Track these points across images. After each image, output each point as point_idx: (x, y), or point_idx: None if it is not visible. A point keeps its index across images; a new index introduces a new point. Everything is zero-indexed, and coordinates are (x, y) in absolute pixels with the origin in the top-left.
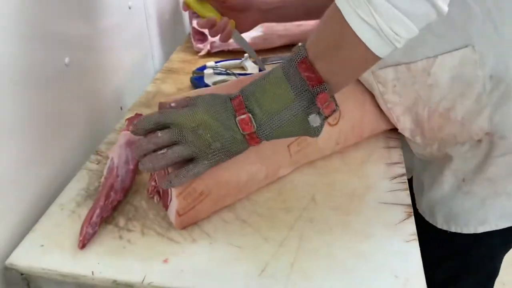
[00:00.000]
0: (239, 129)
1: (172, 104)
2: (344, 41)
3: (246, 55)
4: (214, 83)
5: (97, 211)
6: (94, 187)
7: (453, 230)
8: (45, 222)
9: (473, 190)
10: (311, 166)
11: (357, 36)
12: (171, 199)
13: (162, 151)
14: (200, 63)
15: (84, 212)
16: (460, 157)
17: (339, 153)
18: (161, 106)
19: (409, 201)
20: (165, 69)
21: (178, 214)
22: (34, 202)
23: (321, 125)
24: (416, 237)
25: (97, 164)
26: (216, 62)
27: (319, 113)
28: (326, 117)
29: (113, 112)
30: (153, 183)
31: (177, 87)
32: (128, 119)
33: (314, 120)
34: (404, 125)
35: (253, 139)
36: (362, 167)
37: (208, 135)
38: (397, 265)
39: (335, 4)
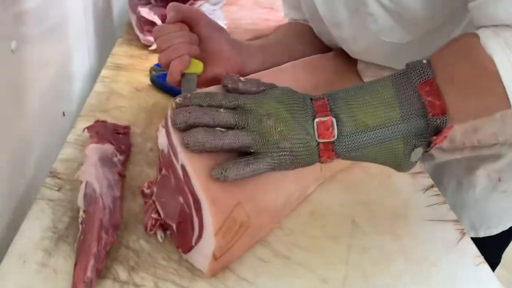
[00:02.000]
0: (315, 133)
1: (242, 79)
2: (487, 88)
3: None
4: None
5: (91, 262)
6: (64, 224)
7: (481, 235)
8: (1, 286)
9: (510, 188)
10: (333, 181)
11: (505, 92)
12: (199, 237)
13: (221, 129)
14: (153, 58)
15: (60, 263)
16: (494, 156)
17: (356, 164)
18: (227, 78)
19: (454, 216)
20: (112, 65)
21: (215, 257)
22: None
23: (417, 161)
24: (484, 260)
25: (57, 190)
26: None
27: (428, 146)
28: (427, 151)
29: (55, 118)
30: (154, 215)
31: (133, 86)
32: (88, 128)
33: (416, 154)
34: None
35: (326, 151)
36: (387, 179)
37: (279, 129)
38: None
39: (480, 38)
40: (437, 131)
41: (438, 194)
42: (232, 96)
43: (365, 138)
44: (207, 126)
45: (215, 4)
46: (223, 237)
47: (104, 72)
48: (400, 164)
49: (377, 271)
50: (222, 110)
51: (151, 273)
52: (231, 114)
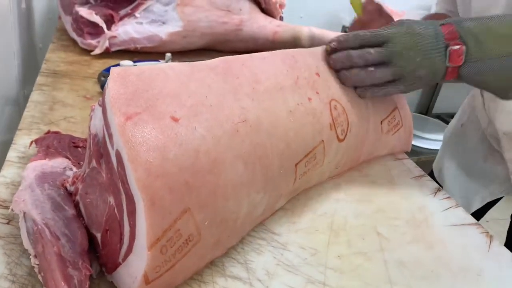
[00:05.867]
0: (446, 59)
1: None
2: None
3: (168, 54)
4: None
5: None
6: (25, 268)
7: None
8: None
9: None
10: (339, 191)
11: None
12: (128, 252)
13: (370, 68)
14: (96, 64)
15: None
16: None
17: (356, 170)
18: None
19: (473, 219)
20: (48, 72)
21: (147, 280)
22: None
23: None
24: None
25: (7, 223)
26: (134, 62)
27: None
28: None
29: None
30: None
31: (81, 94)
32: (36, 141)
33: None
34: None
35: (452, 73)
36: (394, 185)
37: (418, 59)
38: None
39: None
40: None
41: (449, 197)
42: (380, 34)
43: (489, 65)
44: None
45: (166, 5)
46: (160, 252)
47: (40, 80)
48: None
49: (424, 287)
50: (371, 50)
51: None
52: (380, 53)
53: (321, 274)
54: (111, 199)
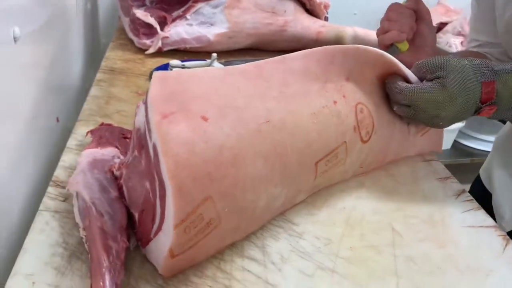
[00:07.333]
0: (475, 113)
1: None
2: None
3: (214, 55)
4: None
5: (107, 277)
6: (75, 238)
7: None
8: None
9: None
10: (362, 188)
11: None
12: (158, 229)
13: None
14: (149, 62)
15: (76, 284)
16: None
17: (382, 170)
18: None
19: (491, 221)
20: (106, 69)
21: (172, 254)
22: None
23: None
24: None
25: (63, 201)
26: (182, 61)
27: None
28: None
29: (48, 123)
30: None
31: (133, 90)
32: (91, 131)
33: None
34: None
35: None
36: (417, 185)
37: (444, 114)
38: None
39: None
40: None
41: (471, 199)
42: (407, 95)
43: None
44: None
45: (215, 7)
46: (184, 232)
47: (99, 76)
48: None
49: (429, 282)
50: (395, 107)
51: None
52: (404, 110)
53: (331, 262)
54: (148, 185)
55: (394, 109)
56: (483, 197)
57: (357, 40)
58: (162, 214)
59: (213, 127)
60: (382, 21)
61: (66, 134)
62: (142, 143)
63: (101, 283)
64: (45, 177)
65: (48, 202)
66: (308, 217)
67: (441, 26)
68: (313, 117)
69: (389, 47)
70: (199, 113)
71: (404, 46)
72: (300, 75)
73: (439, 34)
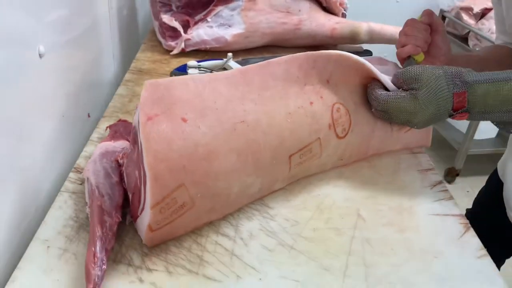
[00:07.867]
0: (449, 115)
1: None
2: None
3: (229, 54)
4: None
5: (98, 243)
6: (85, 214)
7: None
8: (28, 267)
9: None
10: (340, 178)
11: None
12: (142, 209)
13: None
14: (173, 63)
15: (80, 249)
16: None
17: (365, 161)
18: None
19: (459, 211)
20: (135, 70)
21: (150, 229)
22: (7, 240)
23: None
24: (487, 253)
25: (80, 184)
26: (198, 62)
27: None
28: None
29: (81, 119)
30: None
31: None
32: (110, 126)
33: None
34: None
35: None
36: (396, 176)
37: (416, 120)
38: (480, 286)
39: None
40: None
41: (446, 190)
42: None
43: (491, 116)
44: None
45: (233, 10)
46: (160, 212)
47: (127, 76)
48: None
49: (378, 260)
50: (374, 110)
51: (162, 258)
52: (378, 113)
53: (292, 240)
54: (137, 173)
55: (372, 111)
56: (498, 188)
57: (373, 34)
58: (144, 197)
59: (191, 127)
60: (400, 35)
61: (93, 129)
62: (135, 139)
63: (93, 248)
64: (71, 165)
65: (68, 185)
66: (283, 202)
67: (485, 11)
68: (288, 117)
69: (407, 59)
70: (180, 115)
71: (420, 58)
72: (281, 79)
73: (482, 21)
